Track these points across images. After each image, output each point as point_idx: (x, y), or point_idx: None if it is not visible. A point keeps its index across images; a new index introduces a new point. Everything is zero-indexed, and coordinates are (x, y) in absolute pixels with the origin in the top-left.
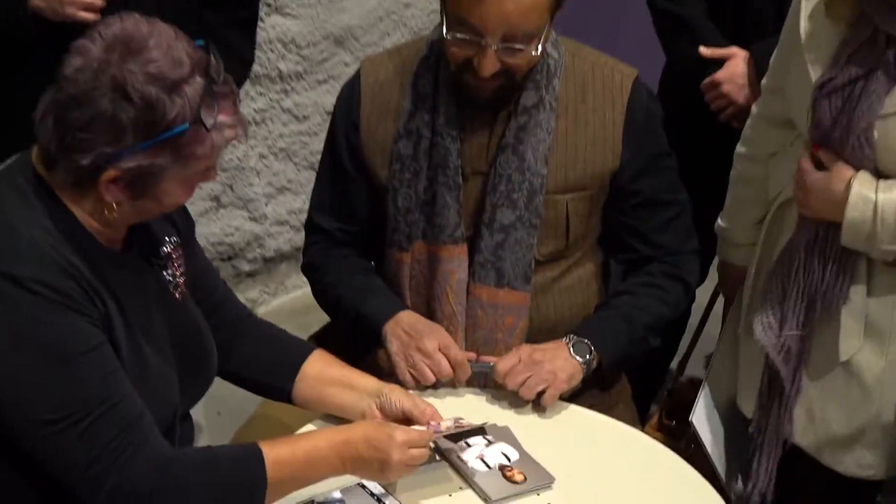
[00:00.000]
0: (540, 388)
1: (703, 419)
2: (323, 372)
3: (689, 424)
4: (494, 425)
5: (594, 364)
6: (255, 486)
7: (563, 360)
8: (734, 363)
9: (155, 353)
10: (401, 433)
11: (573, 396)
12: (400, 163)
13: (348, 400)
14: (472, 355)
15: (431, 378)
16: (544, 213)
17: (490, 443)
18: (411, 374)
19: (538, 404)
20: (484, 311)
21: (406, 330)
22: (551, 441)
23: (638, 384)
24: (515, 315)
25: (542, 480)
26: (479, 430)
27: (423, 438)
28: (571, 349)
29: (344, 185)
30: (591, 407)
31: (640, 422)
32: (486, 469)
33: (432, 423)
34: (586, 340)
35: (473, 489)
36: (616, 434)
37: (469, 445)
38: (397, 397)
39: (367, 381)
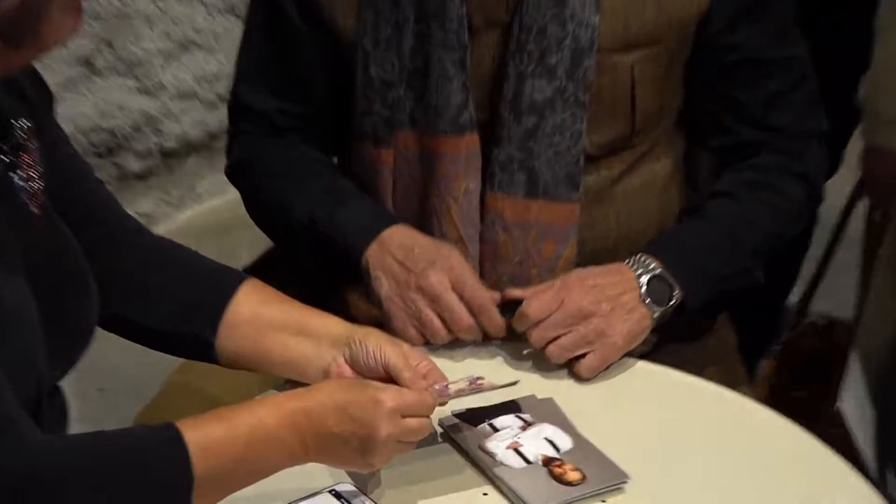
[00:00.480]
0: (579, 352)
1: (851, 401)
2: (261, 313)
3: (829, 404)
4: (532, 397)
5: (673, 307)
6: (175, 484)
7: (623, 310)
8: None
9: (7, 295)
10: (390, 394)
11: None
12: (373, 8)
13: (302, 352)
14: (497, 296)
15: (444, 334)
16: (597, 82)
17: (527, 424)
18: (415, 328)
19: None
20: (509, 235)
21: (399, 257)
22: (618, 419)
23: (741, 329)
24: (557, 239)
25: (610, 479)
26: (510, 407)
27: (422, 402)
28: (643, 288)
29: (286, 43)
30: (675, 365)
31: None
32: (522, 464)
33: (435, 385)
34: (662, 270)
35: (505, 495)
36: (715, 404)
37: (496, 429)
38: (376, 345)
39: (329, 324)
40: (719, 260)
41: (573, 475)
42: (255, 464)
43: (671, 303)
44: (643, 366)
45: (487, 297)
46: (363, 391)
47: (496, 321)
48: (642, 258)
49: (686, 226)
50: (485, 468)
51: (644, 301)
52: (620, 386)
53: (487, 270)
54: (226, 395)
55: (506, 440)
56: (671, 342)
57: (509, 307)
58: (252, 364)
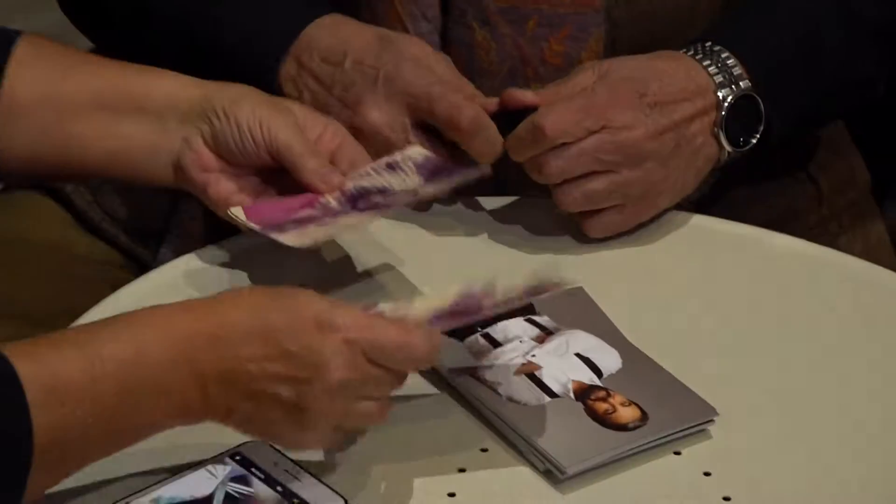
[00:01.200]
0: (606, 205)
1: None
2: (56, 85)
3: None
4: (552, 288)
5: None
6: (4, 450)
7: (689, 147)
8: None
9: None
10: (348, 317)
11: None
12: None
13: (132, 136)
14: (492, 103)
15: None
16: None
17: (547, 333)
18: None
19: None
20: (491, 30)
21: (325, 76)
22: (682, 315)
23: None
24: (572, 29)
25: (688, 418)
26: (524, 309)
27: (406, 343)
28: (724, 112)
29: None
30: (769, 224)
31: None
32: (543, 399)
33: (347, 185)
34: (750, 85)
35: (517, 451)
36: (840, 281)
37: (496, 343)
38: (252, 115)
39: (171, 88)
40: (819, 58)
41: (627, 413)
42: (125, 420)
43: (752, 140)
44: (705, 223)
45: (475, 111)
46: (303, 308)
47: (492, 139)
48: (724, 56)
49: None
50: (480, 408)
51: (715, 132)
52: (675, 256)
53: (471, 72)
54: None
55: (514, 360)
56: (764, 181)
57: (508, 120)
58: (50, 170)
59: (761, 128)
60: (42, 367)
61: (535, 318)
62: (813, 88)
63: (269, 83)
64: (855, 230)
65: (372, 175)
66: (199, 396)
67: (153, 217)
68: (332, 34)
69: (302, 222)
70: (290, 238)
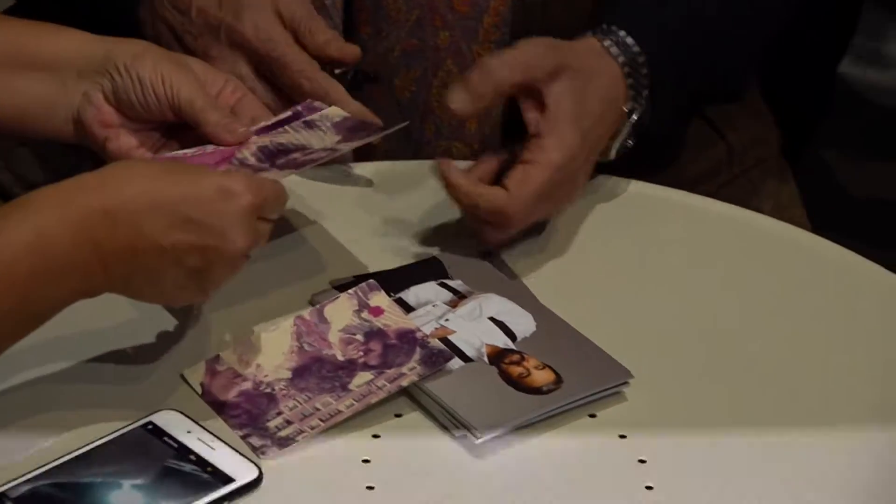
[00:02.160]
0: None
1: None
2: None
3: None
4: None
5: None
6: None
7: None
8: None
9: None
10: (243, 184)
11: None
12: None
13: (30, 93)
14: (353, 51)
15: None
16: None
17: (460, 297)
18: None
19: None
20: None
21: (177, 24)
22: (600, 278)
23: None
24: None
25: (602, 380)
26: (430, 268)
27: (280, 195)
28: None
29: None
30: (681, 185)
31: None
32: (456, 363)
33: (252, 138)
34: (640, 51)
35: (431, 416)
36: (760, 238)
37: (409, 307)
38: (154, 71)
39: (69, 44)
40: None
41: (541, 377)
42: (38, 303)
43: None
44: (617, 185)
45: (321, 86)
46: (199, 178)
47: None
48: (621, 35)
49: None
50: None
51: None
52: (596, 219)
53: (366, 41)
54: None
55: (427, 325)
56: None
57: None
58: None
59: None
60: None
61: (449, 281)
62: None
63: (129, 27)
64: (767, 188)
65: (290, 132)
66: (101, 272)
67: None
68: None
69: None
70: None
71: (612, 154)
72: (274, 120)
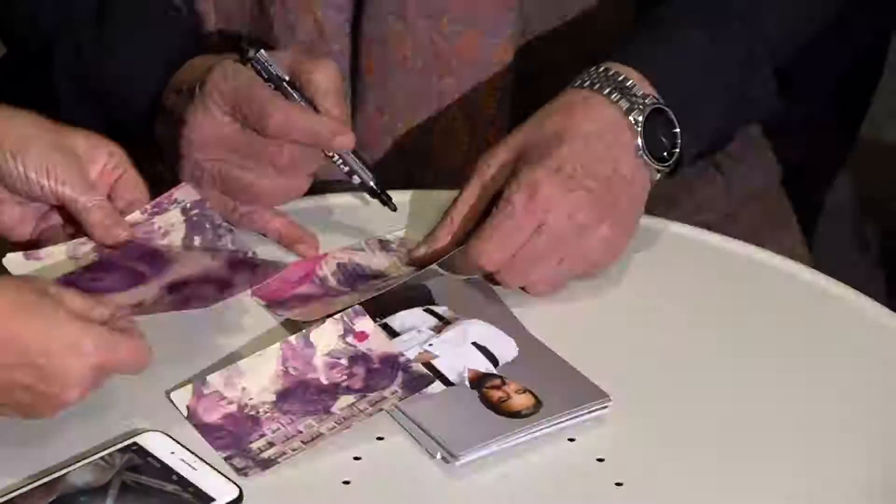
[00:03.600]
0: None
1: None
2: None
3: None
4: (449, 279)
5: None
6: None
7: (627, 199)
8: None
9: None
10: (98, 340)
11: None
12: None
13: None
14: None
15: None
16: None
17: (444, 322)
18: None
19: None
20: (406, 23)
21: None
22: (588, 306)
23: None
24: (485, 27)
25: (581, 404)
26: (416, 295)
27: (139, 360)
28: (640, 140)
29: None
30: (680, 217)
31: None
32: (439, 388)
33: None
34: (659, 102)
35: (414, 438)
36: (752, 275)
37: (394, 333)
38: (40, 164)
39: None
40: (726, 75)
41: (520, 401)
42: None
43: (673, 155)
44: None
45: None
46: (54, 326)
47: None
48: (621, 79)
49: (671, 22)
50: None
51: (641, 157)
52: None
53: (371, 86)
54: None
55: (411, 350)
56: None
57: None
58: None
59: (677, 131)
60: None
61: (434, 308)
62: (718, 95)
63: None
64: (766, 224)
65: (366, 251)
66: None
67: None
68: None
69: (304, 299)
70: (296, 315)
71: (663, 167)
72: (151, 203)
